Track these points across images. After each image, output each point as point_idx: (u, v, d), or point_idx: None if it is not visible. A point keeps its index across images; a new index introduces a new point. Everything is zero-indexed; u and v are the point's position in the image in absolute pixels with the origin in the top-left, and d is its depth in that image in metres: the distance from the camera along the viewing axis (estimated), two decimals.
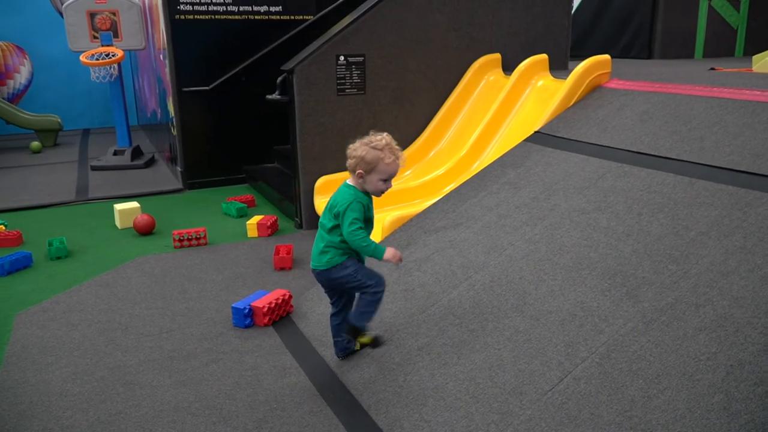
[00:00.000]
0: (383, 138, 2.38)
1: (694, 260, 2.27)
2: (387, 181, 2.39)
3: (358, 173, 2.37)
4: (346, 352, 2.66)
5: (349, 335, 2.57)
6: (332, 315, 2.64)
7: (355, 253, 2.47)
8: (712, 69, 5.39)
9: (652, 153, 3.05)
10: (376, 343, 2.63)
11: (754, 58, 5.55)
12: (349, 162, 2.39)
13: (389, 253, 2.40)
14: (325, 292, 2.64)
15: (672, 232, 2.45)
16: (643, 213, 2.65)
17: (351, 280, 2.45)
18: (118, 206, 4.90)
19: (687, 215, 2.51)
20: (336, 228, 2.41)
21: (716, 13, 7.81)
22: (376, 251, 2.39)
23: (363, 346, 2.66)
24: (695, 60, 7.54)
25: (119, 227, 4.88)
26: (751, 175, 2.57)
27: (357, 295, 2.56)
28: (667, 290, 2.20)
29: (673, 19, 7.56)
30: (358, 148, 2.37)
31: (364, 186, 2.40)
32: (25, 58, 9.62)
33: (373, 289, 2.46)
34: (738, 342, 1.89)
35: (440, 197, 3.73)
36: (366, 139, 2.38)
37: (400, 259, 2.44)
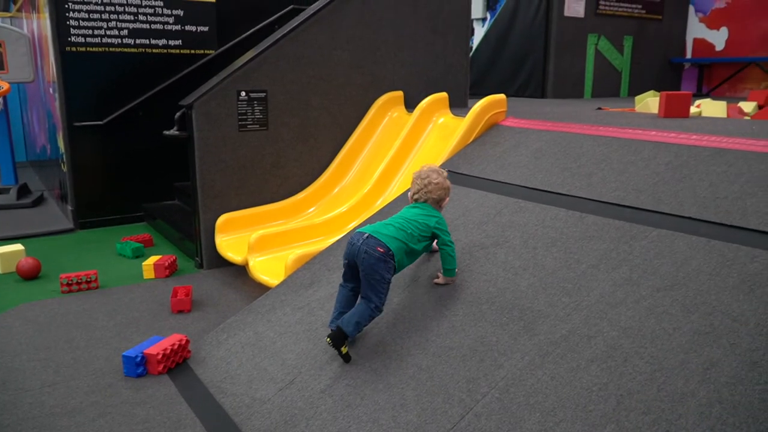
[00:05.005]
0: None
1: (586, 292, 2.35)
2: None
3: (446, 201, 2.81)
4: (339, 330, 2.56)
5: (333, 340, 2.51)
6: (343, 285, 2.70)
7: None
8: (599, 108, 5.73)
9: (546, 189, 3.18)
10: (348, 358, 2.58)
11: (636, 98, 5.98)
12: (439, 192, 2.75)
13: None
14: (346, 270, 2.65)
15: (565, 266, 2.54)
16: (537, 247, 2.73)
17: (380, 279, 2.52)
18: (0, 249, 4.55)
19: (578, 249, 2.61)
20: (426, 242, 2.71)
21: (602, 56, 8.37)
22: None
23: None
24: (584, 99, 8.01)
25: (1, 272, 4.51)
26: (634, 210, 2.72)
27: (358, 302, 2.60)
28: (561, 322, 2.27)
29: (564, 61, 8.03)
30: (438, 179, 2.75)
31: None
32: None
33: (375, 305, 2.54)
34: (627, 372, 1.96)
35: (344, 234, 3.70)
36: (434, 168, 2.79)
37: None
